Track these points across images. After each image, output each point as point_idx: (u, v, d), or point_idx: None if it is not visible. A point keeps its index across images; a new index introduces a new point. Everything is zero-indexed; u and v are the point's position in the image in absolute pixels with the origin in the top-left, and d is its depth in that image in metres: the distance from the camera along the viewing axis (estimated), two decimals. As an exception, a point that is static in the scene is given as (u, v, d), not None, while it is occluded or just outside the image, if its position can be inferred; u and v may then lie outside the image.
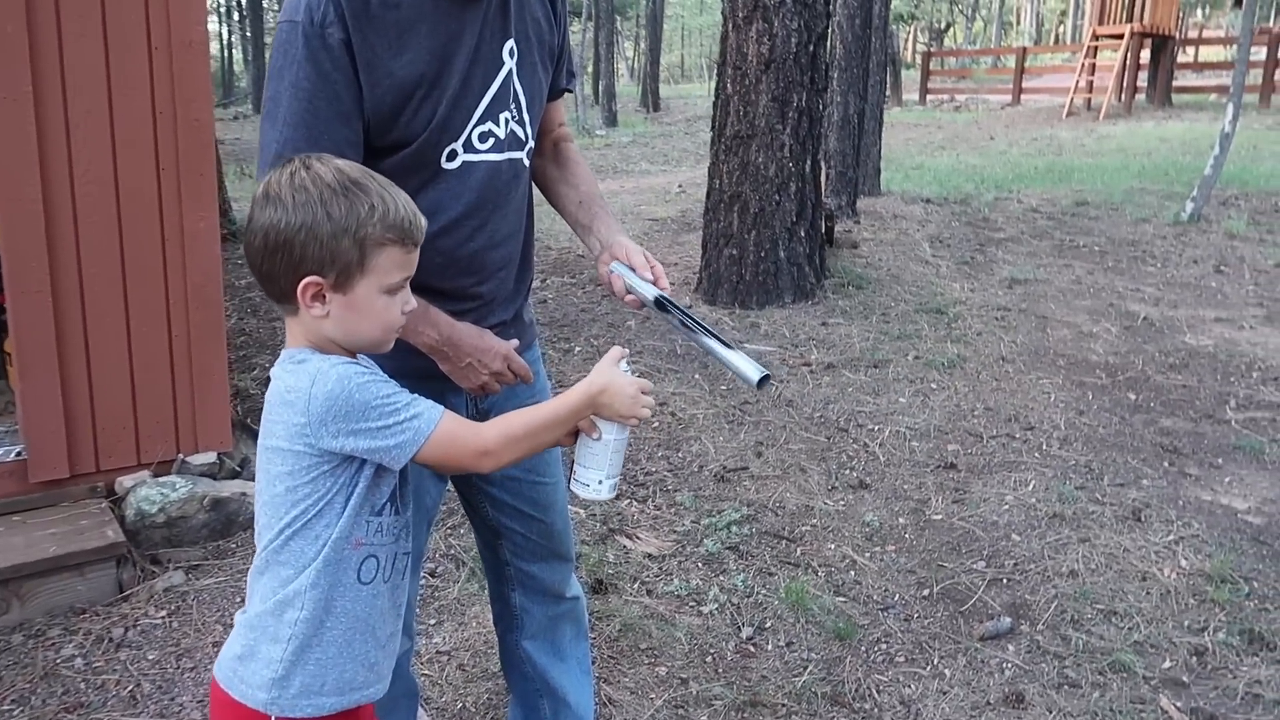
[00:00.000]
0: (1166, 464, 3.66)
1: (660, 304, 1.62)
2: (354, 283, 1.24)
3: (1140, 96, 17.88)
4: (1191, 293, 5.81)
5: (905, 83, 23.12)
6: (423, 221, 1.30)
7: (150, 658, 2.57)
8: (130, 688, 2.44)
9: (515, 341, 1.70)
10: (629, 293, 1.65)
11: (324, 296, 1.25)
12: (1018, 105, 19.70)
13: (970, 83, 23.45)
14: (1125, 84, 17.29)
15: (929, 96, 21.85)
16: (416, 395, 1.29)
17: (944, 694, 2.47)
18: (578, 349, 4.91)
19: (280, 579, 1.28)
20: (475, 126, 1.61)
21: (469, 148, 1.61)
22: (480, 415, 1.81)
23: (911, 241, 6.85)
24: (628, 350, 1.48)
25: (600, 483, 1.45)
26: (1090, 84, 17.98)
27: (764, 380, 1.49)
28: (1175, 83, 18.42)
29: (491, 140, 1.64)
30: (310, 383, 1.23)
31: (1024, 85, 20.34)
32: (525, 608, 1.97)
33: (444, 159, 1.60)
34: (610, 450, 1.43)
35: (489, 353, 1.62)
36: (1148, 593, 2.86)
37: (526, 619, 1.98)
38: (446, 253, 1.63)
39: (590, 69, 26.11)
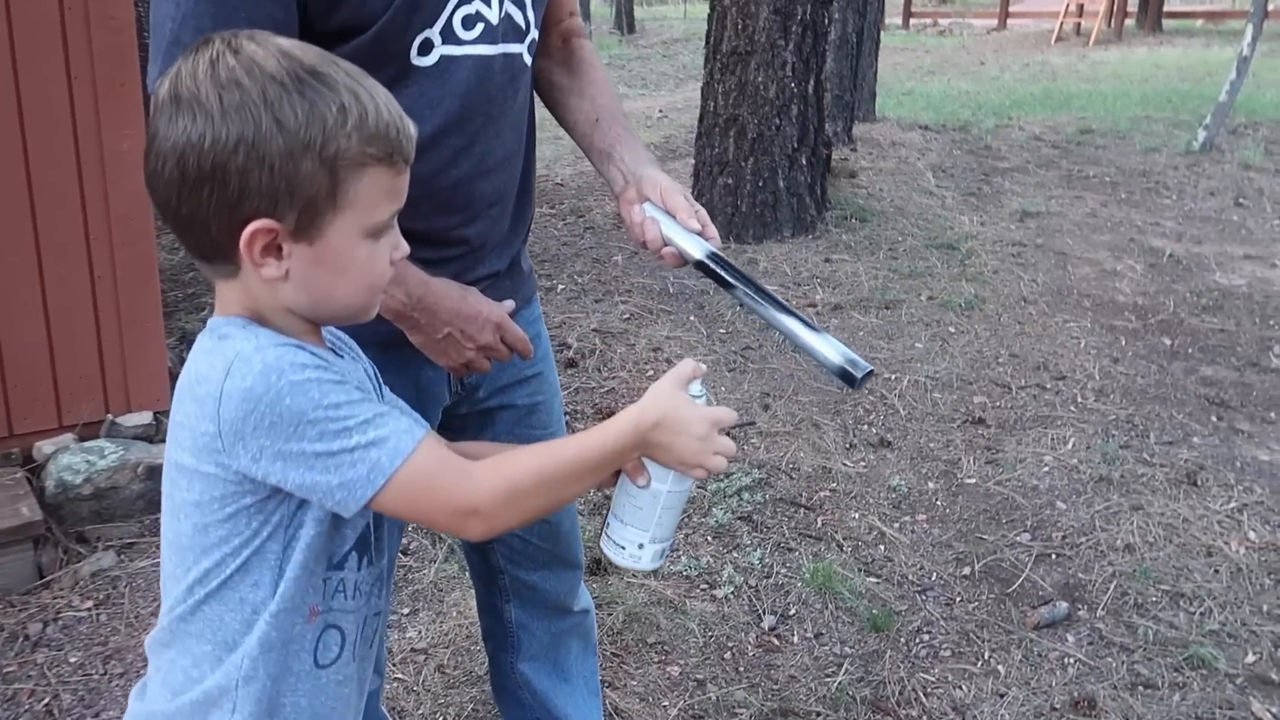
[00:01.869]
0: (1215, 418, 3.34)
1: (711, 265, 1.21)
2: (324, 224, 0.84)
3: (1130, 22, 17.39)
4: (1214, 227, 5.47)
5: (887, 7, 22.39)
6: (412, 128, 0.89)
7: (72, 660, 2.18)
8: (47, 700, 2.06)
9: (510, 304, 1.29)
10: (666, 244, 1.25)
11: (280, 248, 0.85)
12: (1004, 30, 19.11)
13: (955, 5, 22.77)
14: (1116, 9, 16.78)
15: (912, 20, 21.18)
16: (385, 407, 0.87)
17: (1001, 696, 2.15)
18: (560, 287, 4.48)
19: (193, 657, 0.89)
20: (458, 6, 1.18)
21: (449, 36, 1.18)
22: (465, 395, 1.41)
23: (913, 171, 6.43)
24: (705, 368, 0.99)
25: (641, 547, 1.02)
26: (1080, 8, 17.43)
27: (866, 376, 1.10)
28: (1164, 8, 17.93)
29: (480, 26, 1.20)
30: (225, 373, 0.82)
31: (1010, 9, 19.73)
32: (523, 624, 1.60)
33: (415, 52, 1.17)
34: (661, 505, 0.99)
35: (475, 320, 1.21)
36: (1216, 571, 2.54)
37: (525, 637, 1.61)
38: (422, 182, 1.20)
39: (562, -13, 25.04)
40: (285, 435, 0.82)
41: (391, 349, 1.25)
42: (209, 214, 0.83)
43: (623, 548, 1.02)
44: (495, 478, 0.88)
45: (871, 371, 1.14)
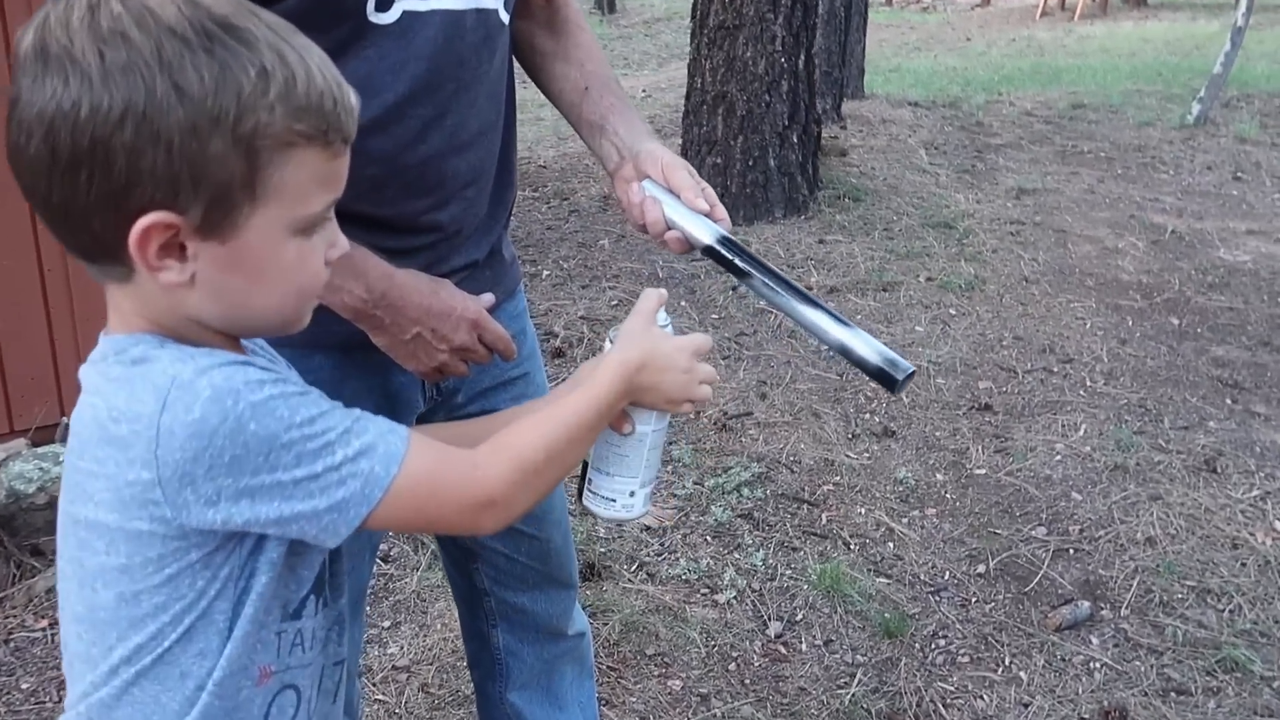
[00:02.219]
0: (1229, 401, 3.21)
1: (722, 250, 1.07)
2: (239, 218, 0.67)
3: (1115, -4, 17.29)
4: (1214, 202, 5.34)
5: (871, -18, 22.19)
6: (353, 99, 0.72)
7: (25, 686, 2.02)
8: (-5, 733, 1.90)
9: (489, 297, 1.13)
10: (669, 228, 1.09)
11: (183, 247, 0.68)
12: (988, 6, 18.96)
13: (938, -18, 22.55)
14: (1101, -18, 16.67)
15: (895, -3, 20.99)
16: (359, 410, 0.73)
17: (1025, 706, 2.01)
18: (546, 273, 4.32)
19: None
20: (422, -48, 1.01)
21: (413, -12, 1.02)
22: (442, 401, 1.25)
23: (905, 148, 6.27)
24: (665, 293, 0.94)
25: (632, 495, 0.98)
26: (1065, -18, 17.29)
27: (907, 378, 0.96)
28: (1150, -19, 17.82)
29: (449, -25, 1.04)
30: (160, 405, 0.66)
31: (994, -16, 19.58)
32: (512, 650, 1.45)
33: (372, 7, 1.01)
34: (647, 447, 0.95)
35: (448, 318, 1.05)
36: (1243, 564, 2.42)
37: (514, 665, 1.45)
38: (386, 160, 1.04)
39: (541, -33, 24.76)
40: (254, 467, 0.67)
41: (353, 352, 1.09)
42: (89, 204, 0.65)
43: (612, 500, 0.97)
44: (504, 461, 0.78)
45: (914, 372, 0.99)
